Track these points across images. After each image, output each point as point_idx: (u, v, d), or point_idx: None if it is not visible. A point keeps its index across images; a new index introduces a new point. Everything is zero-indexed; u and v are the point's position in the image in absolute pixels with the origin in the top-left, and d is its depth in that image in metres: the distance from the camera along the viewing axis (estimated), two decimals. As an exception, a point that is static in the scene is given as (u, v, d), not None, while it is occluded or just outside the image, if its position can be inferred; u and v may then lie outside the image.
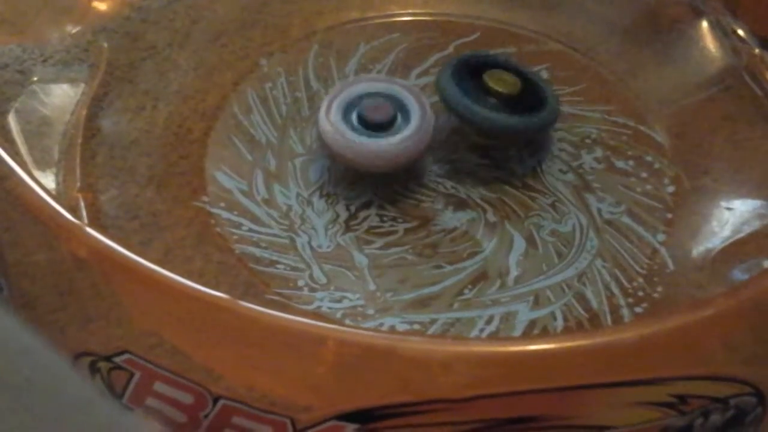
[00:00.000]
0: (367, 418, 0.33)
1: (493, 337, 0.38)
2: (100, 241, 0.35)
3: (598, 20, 0.51)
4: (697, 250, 0.41)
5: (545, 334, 0.38)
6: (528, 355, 0.32)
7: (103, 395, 0.34)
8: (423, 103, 0.43)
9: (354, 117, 0.43)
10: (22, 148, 0.43)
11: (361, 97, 0.43)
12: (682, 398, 0.34)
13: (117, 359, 0.35)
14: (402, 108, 0.43)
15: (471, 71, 0.44)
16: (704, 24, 0.50)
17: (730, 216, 0.42)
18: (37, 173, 0.43)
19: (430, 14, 0.52)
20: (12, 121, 0.44)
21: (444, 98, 0.43)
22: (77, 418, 0.22)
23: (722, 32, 0.50)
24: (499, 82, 0.43)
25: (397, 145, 0.42)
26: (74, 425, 0.22)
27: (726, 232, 0.42)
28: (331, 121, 0.42)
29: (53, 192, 0.42)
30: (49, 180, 0.43)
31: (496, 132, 0.43)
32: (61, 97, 0.46)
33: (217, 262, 0.40)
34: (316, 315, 0.39)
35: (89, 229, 0.35)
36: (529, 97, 0.44)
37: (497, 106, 0.43)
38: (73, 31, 0.48)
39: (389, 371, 0.32)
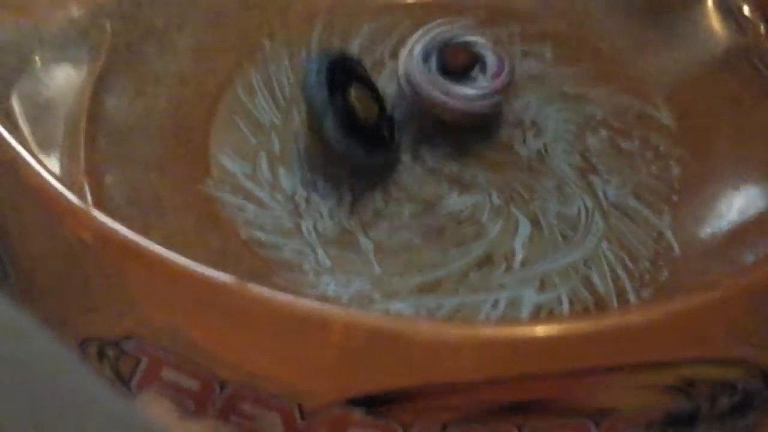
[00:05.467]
0: (375, 402, 0.33)
1: (501, 321, 0.38)
2: (106, 225, 0.34)
3: (602, 0, 0.51)
4: (703, 232, 0.41)
5: (552, 318, 0.38)
6: (535, 339, 0.32)
7: (111, 381, 0.34)
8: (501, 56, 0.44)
9: (433, 62, 0.43)
10: (26, 131, 0.42)
11: (440, 45, 0.44)
12: (690, 381, 0.34)
13: (124, 345, 0.35)
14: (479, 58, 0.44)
15: (344, 71, 0.43)
16: (709, 3, 0.50)
17: (736, 197, 0.42)
18: (41, 156, 0.42)
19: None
20: (15, 103, 0.43)
21: (308, 93, 0.42)
22: (77, 401, 0.22)
23: (727, 10, 0.49)
24: (360, 101, 0.42)
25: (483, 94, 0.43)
26: (74, 408, 0.22)
27: (732, 214, 0.41)
28: (417, 66, 0.43)
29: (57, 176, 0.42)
30: (53, 163, 0.42)
31: (329, 146, 0.42)
32: (63, 79, 0.45)
33: (221, 246, 0.40)
34: (323, 299, 0.38)
35: (95, 213, 0.34)
36: (379, 129, 0.43)
37: (345, 122, 0.41)
38: (73, 13, 0.48)
39: (397, 355, 0.32)
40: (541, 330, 0.32)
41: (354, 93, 0.42)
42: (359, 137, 0.42)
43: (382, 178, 0.43)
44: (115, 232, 0.33)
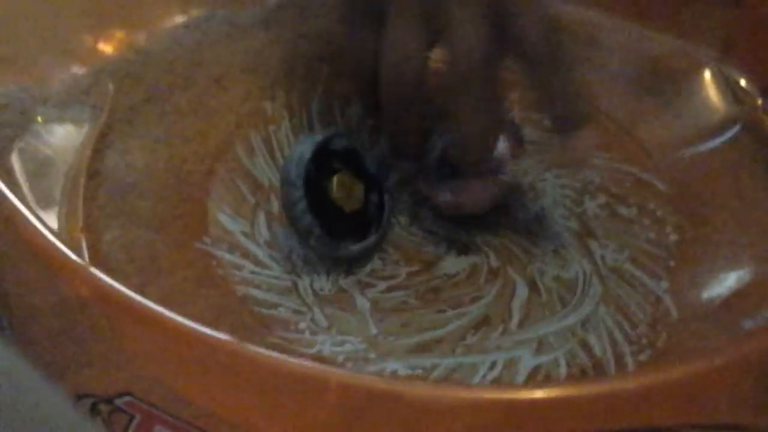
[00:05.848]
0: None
1: (498, 383, 0.38)
2: (103, 282, 0.34)
3: (601, 69, 0.51)
4: (701, 298, 0.41)
5: (549, 381, 0.37)
6: (532, 402, 0.32)
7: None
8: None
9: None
10: (25, 188, 0.43)
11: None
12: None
13: (117, 401, 0.35)
14: None
15: (335, 152, 0.42)
16: (706, 74, 0.50)
17: (734, 264, 0.42)
18: (39, 212, 0.43)
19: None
20: (15, 160, 0.44)
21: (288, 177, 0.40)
22: None
23: (724, 82, 0.50)
24: (342, 190, 0.41)
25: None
26: None
27: (730, 280, 0.41)
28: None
29: (55, 231, 0.42)
30: (51, 219, 0.43)
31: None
32: (64, 137, 0.46)
33: (218, 304, 0.40)
34: (318, 359, 0.38)
35: (92, 270, 0.34)
36: (359, 222, 0.42)
37: (326, 212, 0.41)
38: (76, 72, 0.48)
39: (393, 417, 0.32)
40: (538, 393, 0.32)
41: (337, 182, 0.42)
42: (338, 228, 0.41)
43: (380, 238, 0.43)
44: (112, 290, 0.33)
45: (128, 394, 0.34)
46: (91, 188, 0.44)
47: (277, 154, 0.47)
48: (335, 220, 0.41)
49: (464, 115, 0.40)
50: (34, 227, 0.36)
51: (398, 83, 0.41)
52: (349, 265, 0.42)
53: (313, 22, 0.52)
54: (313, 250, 0.41)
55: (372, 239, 0.42)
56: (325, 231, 0.40)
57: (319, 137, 0.41)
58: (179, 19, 0.51)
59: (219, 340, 0.33)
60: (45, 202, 0.43)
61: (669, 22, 0.53)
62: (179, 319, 0.33)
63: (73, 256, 0.35)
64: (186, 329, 0.33)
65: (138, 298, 0.34)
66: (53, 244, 0.35)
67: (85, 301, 0.34)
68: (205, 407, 0.34)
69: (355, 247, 0.41)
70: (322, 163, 0.41)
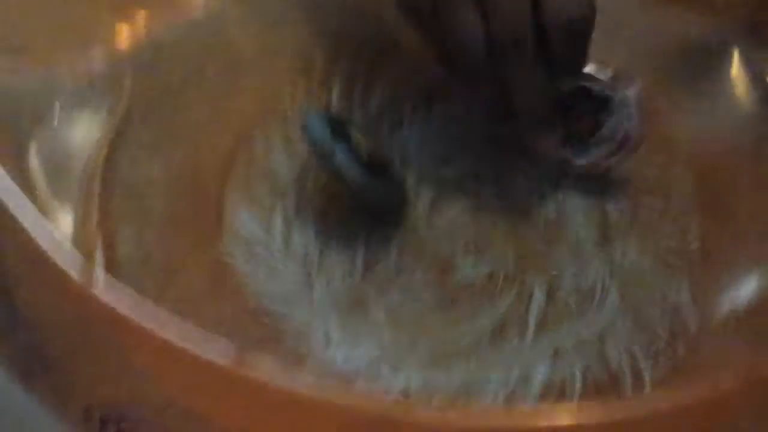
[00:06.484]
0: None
1: (512, 398, 0.37)
2: (115, 296, 0.34)
3: (629, 56, 0.50)
4: (721, 309, 0.40)
5: (562, 406, 0.37)
6: (542, 430, 0.32)
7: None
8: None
9: None
10: (42, 184, 0.42)
11: None
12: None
13: (126, 416, 0.35)
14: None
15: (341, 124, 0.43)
16: (735, 64, 0.49)
17: (755, 272, 0.42)
18: (55, 210, 0.42)
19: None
20: (32, 157, 0.43)
21: (312, 136, 0.42)
22: None
23: (753, 74, 0.49)
24: (365, 144, 0.42)
25: None
26: None
27: (751, 289, 0.41)
28: None
29: (71, 230, 0.42)
30: (66, 219, 0.42)
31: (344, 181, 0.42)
32: (80, 133, 0.45)
33: (231, 312, 0.40)
34: (330, 371, 0.38)
35: (103, 287, 0.34)
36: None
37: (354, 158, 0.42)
38: (93, 64, 0.48)
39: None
40: (547, 421, 0.32)
41: (355, 136, 0.42)
42: (370, 172, 0.42)
43: (396, 241, 0.42)
44: (118, 312, 0.33)
45: (136, 408, 0.34)
46: (107, 188, 0.43)
47: (295, 152, 0.46)
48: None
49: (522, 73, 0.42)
50: (46, 240, 0.36)
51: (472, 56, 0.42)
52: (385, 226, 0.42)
53: (329, 14, 0.51)
54: (334, 165, 0.41)
55: (396, 191, 0.43)
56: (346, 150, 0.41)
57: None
58: (196, 9, 0.50)
59: (224, 360, 0.33)
60: (61, 202, 0.43)
61: (697, 3, 0.51)
62: (183, 339, 0.33)
63: (83, 274, 0.35)
64: (191, 351, 0.33)
65: (149, 312, 0.34)
66: (60, 265, 0.35)
67: (94, 319, 0.34)
68: (213, 424, 0.34)
69: (373, 179, 0.41)
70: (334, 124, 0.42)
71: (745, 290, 0.41)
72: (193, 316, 0.39)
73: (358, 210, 0.43)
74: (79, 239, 0.42)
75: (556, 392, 0.38)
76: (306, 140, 0.42)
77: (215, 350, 0.34)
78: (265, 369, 0.34)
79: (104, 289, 0.35)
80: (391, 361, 0.39)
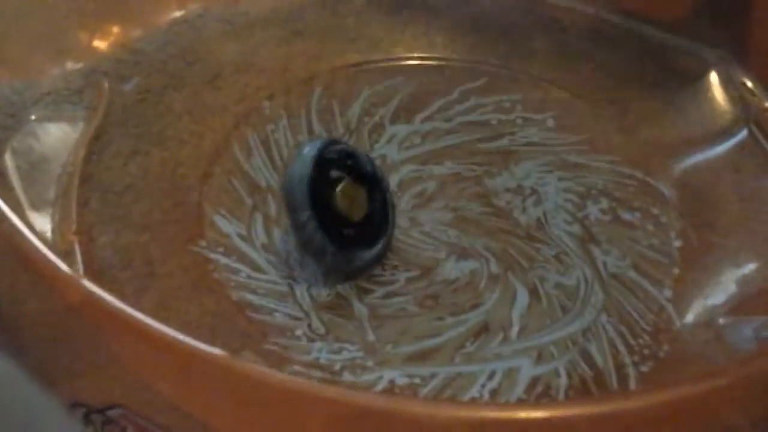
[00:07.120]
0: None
1: (497, 394, 0.37)
2: (94, 292, 0.34)
3: (605, 69, 0.51)
4: (705, 307, 0.40)
5: (549, 399, 0.37)
6: (531, 422, 0.31)
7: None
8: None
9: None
10: (18, 190, 0.42)
11: None
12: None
13: (110, 413, 0.34)
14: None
15: (331, 161, 0.41)
16: (713, 75, 0.50)
17: (737, 271, 0.42)
18: (32, 214, 0.42)
19: (435, 58, 0.51)
20: (8, 160, 0.43)
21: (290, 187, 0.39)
22: None
23: (731, 84, 0.49)
24: (346, 200, 0.40)
25: None
26: None
27: (733, 288, 0.41)
28: None
29: (48, 234, 0.42)
30: (44, 222, 0.42)
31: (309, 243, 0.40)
32: (58, 137, 0.45)
33: (214, 310, 0.39)
34: (315, 366, 0.38)
35: (84, 280, 0.33)
36: (367, 228, 0.41)
37: (334, 225, 0.40)
38: (70, 71, 0.47)
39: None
40: (537, 413, 0.31)
41: (341, 193, 0.40)
42: (348, 238, 0.40)
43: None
44: (104, 300, 0.33)
45: (120, 405, 0.34)
46: (85, 191, 0.43)
47: (275, 155, 0.46)
48: (343, 230, 0.40)
49: None
50: (25, 236, 0.35)
51: None
52: (362, 273, 0.41)
53: (309, 20, 0.51)
54: (327, 267, 0.40)
55: (382, 242, 0.41)
56: (336, 246, 0.39)
57: (314, 151, 0.40)
58: (174, 15, 0.50)
59: (211, 353, 0.33)
60: (38, 205, 0.42)
61: (676, 20, 0.52)
62: (171, 331, 0.33)
63: (64, 267, 0.34)
64: (178, 342, 0.33)
65: (130, 309, 0.33)
66: (44, 254, 0.34)
67: (76, 310, 0.34)
68: (198, 420, 0.33)
69: (368, 255, 0.41)
70: (321, 174, 0.40)
71: (727, 285, 0.41)
72: (176, 313, 0.39)
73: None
74: (57, 246, 0.41)
75: (541, 389, 0.38)
76: (284, 195, 0.40)
77: (198, 345, 0.33)
78: (249, 366, 0.33)
79: (86, 287, 0.34)
80: (375, 357, 0.38)
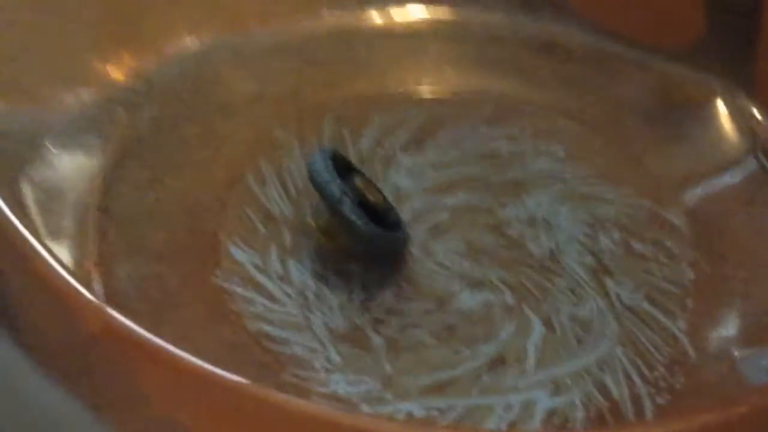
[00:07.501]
0: None
1: (515, 427, 0.37)
2: (117, 321, 0.34)
3: (613, 99, 0.51)
4: (719, 338, 0.41)
5: (567, 427, 0.37)
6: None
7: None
8: None
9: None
10: (37, 220, 0.42)
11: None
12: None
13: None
14: None
15: (344, 162, 0.44)
16: (719, 104, 0.50)
17: (750, 301, 0.42)
18: (51, 246, 0.42)
19: (444, 89, 0.51)
20: (26, 191, 0.43)
21: (318, 180, 0.42)
22: None
23: (738, 113, 0.50)
24: (366, 188, 0.42)
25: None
26: None
27: (747, 319, 0.41)
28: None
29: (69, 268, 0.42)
30: (63, 253, 0.42)
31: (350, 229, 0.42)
32: (75, 167, 0.45)
33: (231, 341, 0.40)
34: (333, 398, 0.38)
35: (107, 308, 0.34)
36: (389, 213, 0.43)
37: (359, 205, 0.42)
38: (85, 99, 0.48)
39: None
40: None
41: (358, 180, 0.42)
42: (374, 219, 0.42)
43: (393, 273, 0.43)
44: (127, 329, 0.33)
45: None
46: (103, 222, 0.43)
47: (289, 184, 0.46)
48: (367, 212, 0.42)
49: None
50: (48, 264, 0.36)
51: None
52: (383, 266, 0.42)
53: (321, 50, 0.52)
54: (346, 219, 0.41)
55: (401, 232, 0.43)
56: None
57: (328, 149, 0.43)
58: (186, 45, 0.51)
59: (235, 382, 0.33)
60: (56, 236, 0.42)
61: (682, 49, 0.53)
62: (195, 360, 0.33)
63: (88, 294, 0.35)
64: (202, 371, 0.33)
65: (153, 337, 0.34)
66: (67, 282, 0.34)
67: (98, 341, 0.34)
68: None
69: (387, 234, 0.42)
70: (339, 164, 0.42)
71: (740, 318, 0.41)
72: (192, 343, 0.39)
73: (354, 249, 0.43)
74: (77, 277, 0.41)
75: (558, 421, 0.38)
76: (311, 180, 0.42)
77: (222, 375, 0.34)
78: (275, 395, 0.33)
79: (109, 314, 0.35)
80: (392, 389, 0.38)
